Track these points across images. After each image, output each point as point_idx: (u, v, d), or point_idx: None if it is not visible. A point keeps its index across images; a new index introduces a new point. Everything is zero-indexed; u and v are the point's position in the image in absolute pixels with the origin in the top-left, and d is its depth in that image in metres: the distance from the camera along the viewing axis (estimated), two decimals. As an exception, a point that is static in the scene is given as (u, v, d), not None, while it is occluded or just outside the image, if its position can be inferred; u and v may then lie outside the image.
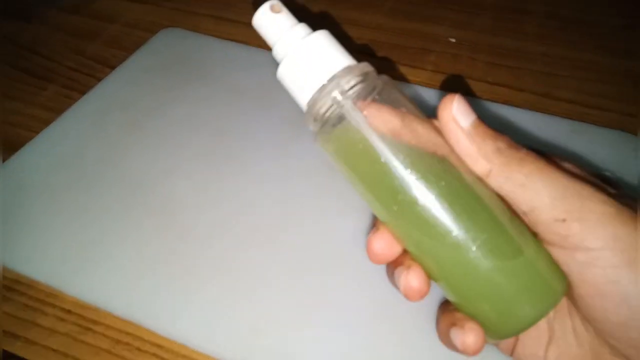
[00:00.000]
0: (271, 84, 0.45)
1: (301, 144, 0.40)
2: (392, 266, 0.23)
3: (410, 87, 0.44)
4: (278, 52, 0.23)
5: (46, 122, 0.43)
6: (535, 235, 0.22)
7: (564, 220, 0.20)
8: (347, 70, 0.22)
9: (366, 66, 0.22)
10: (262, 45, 0.48)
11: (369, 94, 0.21)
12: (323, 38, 0.22)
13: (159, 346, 0.31)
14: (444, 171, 0.21)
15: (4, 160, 0.40)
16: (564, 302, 0.23)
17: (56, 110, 0.44)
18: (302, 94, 0.22)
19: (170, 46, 0.49)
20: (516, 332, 0.22)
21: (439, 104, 0.22)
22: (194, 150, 0.40)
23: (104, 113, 0.44)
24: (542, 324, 0.24)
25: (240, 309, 0.31)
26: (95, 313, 0.32)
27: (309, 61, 0.22)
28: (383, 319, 0.31)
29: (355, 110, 0.21)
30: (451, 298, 0.23)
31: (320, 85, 0.22)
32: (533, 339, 0.24)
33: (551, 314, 0.23)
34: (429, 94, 0.44)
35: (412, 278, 0.22)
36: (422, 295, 0.22)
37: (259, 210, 0.36)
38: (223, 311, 0.31)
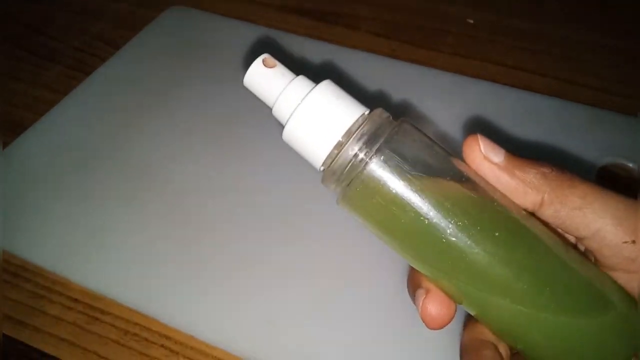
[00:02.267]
0: (282, 65, 0.44)
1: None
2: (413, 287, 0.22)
3: (426, 70, 0.43)
4: (279, 112, 0.21)
5: (51, 104, 0.42)
6: (594, 261, 0.20)
7: (633, 242, 0.18)
8: (362, 121, 0.20)
9: (381, 113, 0.20)
10: (273, 24, 0.47)
11: (389, 143, 0.19)
12: (328, 90, 0.20)
13: (168, 337, 0.30)
14: (497, 218, 0.19)
15: (8, 143, 0.39)
16: None
17: (61, 91, 0.43)
18: (315, 155, 0.20)
19: (177, 25, 0.48)
20: None
21: (464, 146, 0.20)
22: (202, 134, 0.39)
23: (109, 95, 0.42)
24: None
25: (250, 300, 0.31)
26: (103, 302, 0.31)
27: (318, 118, 0.20)
28: (398, 313, 0.30)
29: (382, 164, 0.19)
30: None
31: (336, 142, 0.19)
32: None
33: None
34: (446, 78, 0.42)
35: (430, 304, 0.20)
36: (443, 323, 0.21)
37: (272, 198, 0.35)
38: (233, 302, 0.30)
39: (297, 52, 0.45)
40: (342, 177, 0.20)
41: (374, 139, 0.19)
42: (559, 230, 0.21)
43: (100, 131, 0.40)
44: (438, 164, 0.20)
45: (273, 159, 0.38)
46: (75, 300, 0.32)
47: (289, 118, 0.20)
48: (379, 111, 0.20)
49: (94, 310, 0.31)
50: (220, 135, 0.39)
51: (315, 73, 0.44)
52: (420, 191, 0.19)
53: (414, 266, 0.21)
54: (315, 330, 0.29)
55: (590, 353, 0.19)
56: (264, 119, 0.40)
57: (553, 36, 0.47)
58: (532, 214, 0.20)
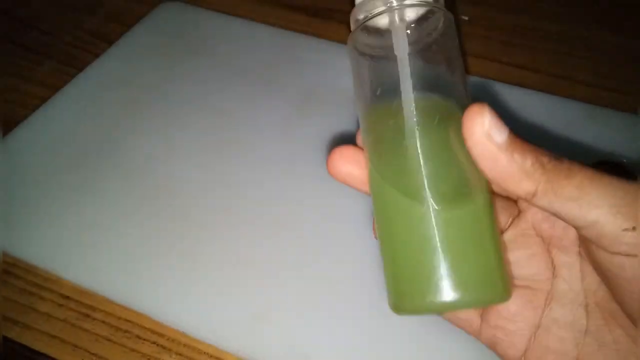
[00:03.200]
0: (276, 62, 0.44)
1: (306, 125, 0.39)
2: None
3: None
4: None
5: (43, 99, 0.41)
6: (595, 249, 0.20)
7: (633, 228, 0.18)
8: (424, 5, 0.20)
9: (444, 12, 0.20)
10: (267, 20, 0.47)
11: (423, 30, 0.19)
12: None
13: (159, 334, 0.30)
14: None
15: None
16: (598, 314, 0.21)
17: (53, 86, 0.42)
18: None
19: (170, 21, 0.47)
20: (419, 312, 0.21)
21: (465, 117, 0.19)
22: (195, 130, 0.39)
23: (102, 90, 0.42)
24: (569, 339, 0.21)
25: (242, 297, 0.30)
26: (94, 299, 0.31)
27: None
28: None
29: (401, 37, 0.19)
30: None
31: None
32: (558, 355, 0.21)
33: (582, 328, 0.21)
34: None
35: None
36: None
37: (262, 195, 0.35)
38: (224, 299, 0.30)
39: (290, 49, 0.44)
40: (366, 18, 0.20)
41: (412, 13, 0.19)
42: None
43: (93, 127, 0.40)
44: (446, 81, 0.20)
45: (266, 155, 0.37)
46: (67, 297, 0.31)
47: None
48: (444, 10, 0.20)
49: (85, 307, 0.31)
50: (214, 131, 0.39)
51: (309, 70, 0.44)
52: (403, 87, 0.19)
53: (362, 128, 0.22)
54: (308, 327, 0.29)
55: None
56: (258, 115, 0.40)
57: (547, 32, 0.46)
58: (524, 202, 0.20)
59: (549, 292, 0.21)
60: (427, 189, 0.19)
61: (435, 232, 0.19)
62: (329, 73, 0.42)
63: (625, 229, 0.18)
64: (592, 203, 0.18)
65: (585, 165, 0.19)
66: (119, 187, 0.36)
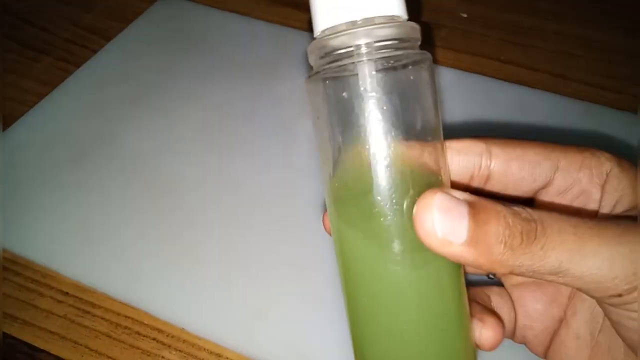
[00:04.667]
0: (274, 58, 0.44)
1: (304, 120, 0.39)
2: None
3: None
4: None
5: (40, 96, 0.41)
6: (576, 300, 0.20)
7: (619, 295, 0.17)
8: (389, 19, 0.17)
9: (412, 28, 0.18)
10: (265, 17, 0.47)
11: (393, 69, 0.17)
12: None
13: (159, 330, 0.30)
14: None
15: (-3, 135, 0.39)
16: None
17: (51, 83, 0.42)
18: (325, 16, 0.17)
19: (168, 17, 0.47)
20: None
21: (415, 225, 0.16)
22: (193, 127, 0.39)
23: (100, 87, 0.42)
24: (585, 336, 0.21)
25: (241, 293, 0.31)
26: (94, 295, 0.31)
27: None
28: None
29: (368, 78, 0.16)
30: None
31: (350, 20, 0.17)
32: (572, 350, 0.22)
33: (598, 327, 0.21)
34: (439, 72, 0.42)
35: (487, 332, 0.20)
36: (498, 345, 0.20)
37: (262, 191, 0.35)
38: (224, 295, 0.30)
39: (290, 45, 0.44)
40: (326, 56, 0.17)
41: (382, 45, 0.17)
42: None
43: (91, 123, 0.39)
44: (415, 114, 0.18)
45: (266, 151, 0.37)
46: (66, 293, 0.31)
47: None
48: (411, 25, 0.18)
49: (84, 303, 0.31)
50: (212, 128, 0.39)
51: (307, 66, 0.44)
52: (377, 123, 0.17)
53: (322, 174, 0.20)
54: (307, 324, 0.29)
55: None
56: (256, 112, 0.40)
57: (546, 31, 0.47)
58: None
59: (572, 289, 0.21)
60: (390, 245, 0.17)
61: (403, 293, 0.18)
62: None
63: (611, 296, 0.17)
64: (575, 277, 0.17)
65: (563, 226, 0.17)
66: (117, 184, 0.36)
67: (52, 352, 0.29)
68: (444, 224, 0.16)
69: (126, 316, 0.30)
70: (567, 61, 0.44)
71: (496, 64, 0.44)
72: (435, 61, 0.43)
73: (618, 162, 0.20)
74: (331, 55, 0.17)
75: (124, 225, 0.33)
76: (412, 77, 0.17)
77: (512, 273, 0.17)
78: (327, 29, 0.17)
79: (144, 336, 0.30)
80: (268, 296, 0.30)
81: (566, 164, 0.20)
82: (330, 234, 0.20)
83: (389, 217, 0.17)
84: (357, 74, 0.17)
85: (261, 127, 0.39)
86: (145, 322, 0.30)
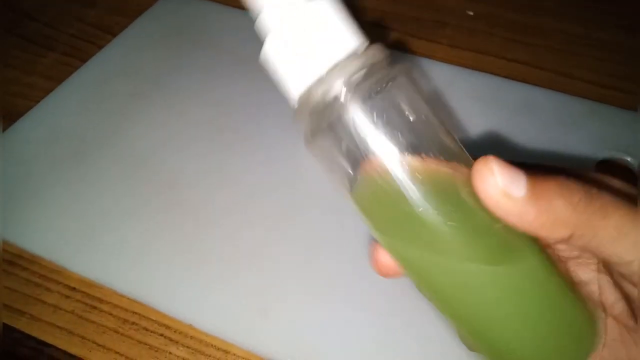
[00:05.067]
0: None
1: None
2: None
3: (424, 61, 0.43)
4: (264, 23, 0.18)
5: (46, 91, 0.41)
6: (621, 278, 0.19)
7: None
8: (353, 56, 0.17)
9: (378, 52, 0.17)
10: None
11: (377, 92, 0.17)
12: (325, 7, 0.17)
13: (167, 326, 0.30)
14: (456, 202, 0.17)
15: (2, 131, 0.39)
16: (616, 329, 0.21)
17: (56, 79, 0.42)
18: (293, 85, 0.17)
19: (173, 13, 0.47)
20: None
21: (474, 177, 0.16)
22: (199, 122, 0.39)
23: (105, 82, 0.42)
24: None
25: (248, 289, 0.31)
26: (101, 291, 0.31)
27: (306, 41, 0.17)
28: (396, 300, 0.30)
29: (359, 114, 0.16)
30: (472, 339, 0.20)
31: (318, 77, 0.17)
32: None
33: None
34: (443, 70, 0.42)
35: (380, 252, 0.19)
36: (392, 273, 0.20)
37: (267, 186, 0.35)
38: (231, 291, 0.30)
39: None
40: (315, 117, 0.17)
41: (360, 81, 0.17)
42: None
43: (96, 119, 0.39)
44: (417, 127, 0.17)
45: (270, 147, 0.38)
46: (73, 289, 0.31)
47: (270, 34, 0.17)
48: (375, 48, 0.17)
49: (92, 299, 0.31)
50: (217, 123, 0.39)
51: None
52: (384, 151, 0.17)
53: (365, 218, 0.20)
54: (314, 320, 0.29)
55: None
56: (261, 108, 0.40)
57: (551, 29, 0.47)
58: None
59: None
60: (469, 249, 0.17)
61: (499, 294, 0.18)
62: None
63: None
64: (632, 245, 0.17)
65: (617, 200, 0.17)
66: (124, 180, 0.36)
67: (59, 347, 0.29)
68: (503, 175, 0.16)
69: (134, 312, 0.30)
70: (572, 60, 0.44)
71: (501, 62, 0.44)
72: (440, 59, 0.43)
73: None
74: (318, 114, 0.17)
75: (132, 220, 0.33)
76: (398, 92, 0.17)
77: (568, 240, 0.17)
78: (300, 95, 0.17)
79: (151, 332, 0.30)
80: (275, 293, 0.30)
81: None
82: (383, 274, 0.20)
83: (455, 223, 0.17)
84: (349, 117, 0.17)
85: (265, 123, 0.39)
86: (153, 318, 0.30)
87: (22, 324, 0.30)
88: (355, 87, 0.17)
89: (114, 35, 0.45)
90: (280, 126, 0.39)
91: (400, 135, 0.17)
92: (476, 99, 0.40)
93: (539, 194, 0.16)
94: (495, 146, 0.37)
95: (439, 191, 0.17)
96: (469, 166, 0.17)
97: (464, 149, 0.18)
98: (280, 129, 0.38)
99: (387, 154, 0.17)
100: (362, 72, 0.17)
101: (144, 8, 0.47)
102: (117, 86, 0.42)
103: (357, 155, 0.17)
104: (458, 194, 0.17)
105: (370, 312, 0.30)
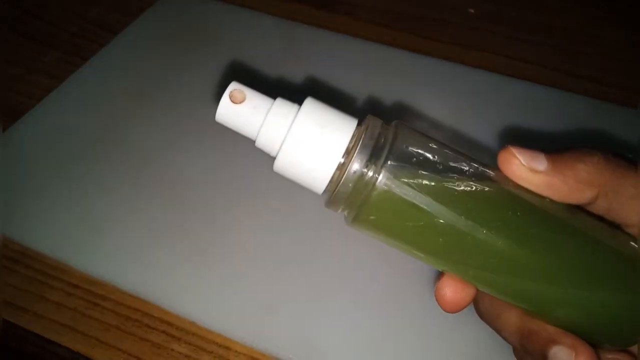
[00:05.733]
0: (282, 53, 0.44)
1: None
2: (537, 341, 0.20)
3: (426, 60, 0.43)
4: (264, 144, 0.20)
5: (48, 89, 0.41)
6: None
7: None
8: (357, 135, 0.19)
9: (374, 121, 0.19)
10: (273, 12, 0.47)
11: (393, 153, 0.18)
12: (313, 111, 0.19)
13: (169, 323, 0.30)
14: (518, 207, 0.19)
15: (5, 129, 0.39)
16: None
17: (58, 77, 0.42)
18: (316, 182, 0.19)
19: (175, 11, 0.47)
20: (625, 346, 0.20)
21: (501, 162, 0.19)
22: (202, 121, 0.39)
23: (107, 81, 0.42)
24: None
25: (251, 286, 0.31)
26: (104, 288, 0.31)
27: (312, 145, 0.18)
28: (400, 297, 0.30)
29: (392, 176, 0.18)
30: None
31: (337, 164, 0.18)
32: None
33: None
34: (445, 68, 0.42)
35: (446, 287, 0.20)
36: (458, 306, 0.20)
37: (272, 184, 0.35)
38: (234, 288, 0.31)
39: (296, 40, 0.44)
40: (351, 198, 0.19)
41: (377, 152, 0.18)
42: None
43: (99, 117, 0.39)
44: (445, 162, 0.19)
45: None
46: (76, 286, 0.32)
47: (279, 151, 0.19)
48: (372, 121, 0.19)
49: (94, 296, 0.31)
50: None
51: (314, 61, 0.44)
52: (435, 194, 0.18)
53: (434, 266, 0.20)
54: (317, 317, 0.30)
55: (622, 324, 0.19)
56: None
57: (554, 27, 0.47)
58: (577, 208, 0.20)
59: None
60: None
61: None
62: (335, 64, 0.42)
63: None
64: None
65: (630, 165, 0.19)
66: (126, 177, 0.36)
67: (63, 344, 0.30)
68: (523, 155, 0.19)
69: (136, 309, 0.31)
70: (574, 58, 0.44)
71: (503, 60, 0.44)
72: (442, 57, 0.43)
73: None
74: (350, 195, 0.19)
75: (134, 218, 0.33)
76: (411, 142, 0.19)
77: (594, 199, 0.18)
78: (327, 187, 0.19)
79: (153, 329, 0.30)
80: (278, 290, 0.31)
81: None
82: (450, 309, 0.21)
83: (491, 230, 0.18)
84: (385, 182, 0.18)
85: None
86: (155, 315, 0.30)
87: (25, 322, 0.30)
88: (372, 158, 0.18)
89: (116, 33, 0.45)
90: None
91: (429, 171, 0.18)
92: (478, 97, 0.40)
93: (560, 164, 0.19)
94: (497, 144, 0.37)
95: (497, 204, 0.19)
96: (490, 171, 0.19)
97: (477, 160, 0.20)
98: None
99: (430, 194, 0.18)
100: (372, 144, 0.18)
101: (145, 6, 0.47)
102: (119, 84, 0.42)
103: (403, 212, 0.18)
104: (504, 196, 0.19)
105: (375, 309, 0.30)
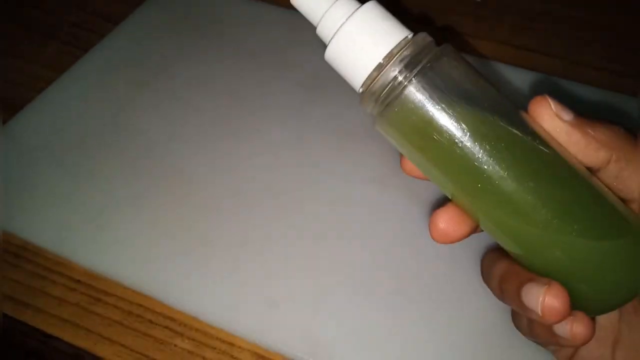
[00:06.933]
0: (285, 43, 0.43)
1: (316, 107, 0.39)
2: (514, 281, 0.21)
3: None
4: (323, 31, 0.21)
5: (48, 81, 0.41)
6: None
7: None
8: (404, 44, 0.20)
9: (425, 37, 0.20)
10: (275, 1, 0.46)
11: (429, 67, 0.19)
12: (372, 11, 0.20)
13: (171, 319, 0.30)
14: (530, 149, 0.20)
15: (5, 121, 0.38)
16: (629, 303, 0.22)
17: (58, 68, 0.42)
18: (356, 76, 0.20)
19: (176, 1, 0.47)
20: (609, 310, 0.21)
21: (531, 105, 0.20)
22: (204, 113, 0.39)
23: (108, 72, 0.42)
24: (607, 325, 0.22)
25: (254, 281, 0.30)
26: (106, 283, 0.31)
27: (361, 38, 0.20)
28: (404, 291, 0.30)
29: (421, 87, 0.19)
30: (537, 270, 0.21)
31: (376, 63, 0.20)
32: (598, 341, 0.23)
33: (617, 314, 0.22)
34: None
35: (553, 299, 0.19)
36: (563, 318, 0.20)
37: (273, 177, 0.35)
38: (237, 284, 0.30)
39: (299, 29, 0.44)
40: (380, 98, 0.20)
41: (414, 62, 0.19)
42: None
43: (99, 109, 0.39)
44: (476, 92, 0.20)
45: (276, 137, 0.37)
46: (78, 281, 0.31)
47: (332, 37, 0.20)
48: (422, 35, 0.20)
49: (97, 291, 0.31)
50: (223, 114, 0.38)
51: (317, 51, 0.44)
52: (458, 116, 0.19)
53: (441, 187, 0.21)
54: (320, 312, 0.29)
55: (607, 273, 0.20)
56: (267, 97, 0.40)
57: (560, 16, 0.46)
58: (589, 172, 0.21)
59: None
60: None
61: None
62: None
63: None
64: None
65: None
66: (128, 170, 0.35)
67: (65, 339, 0.29)
68: (555, 103, 0.20)
69: (138, 304, 0.30)
70: (581, 47, 0.43)
71: (509, 50, 0.43)
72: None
73: None
74: (384, 95, 0.20)
75: (136, 212, 0.33)
76: (452, 64, 0.20)
77: (608, 161, 0.20)
78: (364, 82, 0.20)
79: (156, 324, 0.30)
80: (281, 285, 0.30)
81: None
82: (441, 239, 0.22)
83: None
84: (413, 90, 0.19)
85: (272, 113, 0.39)
86: (158, 310, 0.30)
87: (27, 317, 0.30)
88: (408, 66, 0.19)
89: (116, 23, 0.45)
90: (287, 115, 0.38)
91: (458, 95, 0.19)
92: (484, 87, 0.40)
93: (584, 121, 0.20)
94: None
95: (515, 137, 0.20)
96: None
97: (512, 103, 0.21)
98: (287, 119, 0.38)
99: (453, 115, 0.19)
100: (413, 53, 0.19)
101: (145, -4, 0.47)
102: (120, 75, 0.41)
103: (424, 123, 0.19)
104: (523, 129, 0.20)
105: (378, 303, 0.30)
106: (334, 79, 0.40)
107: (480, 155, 0.19)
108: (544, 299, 0.19)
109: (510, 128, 0.20)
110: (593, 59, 0.42)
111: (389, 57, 0.20)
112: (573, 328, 0.20)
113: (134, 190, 0.34)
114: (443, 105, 0.19)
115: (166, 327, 0.30)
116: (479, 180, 0.19)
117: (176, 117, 0.38)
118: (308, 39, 0.43)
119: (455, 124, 0.19)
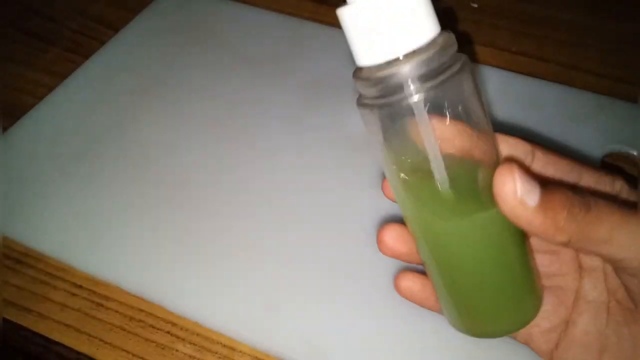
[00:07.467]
0: (284, 49, 0.44)
1: (316, 115, 0.39)
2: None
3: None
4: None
5: (49, 87, 0.41)
6: (620, 271, 0.21)
7: None
8: (429, 46, 0.18)
9: (449, 38, 0.19)
10: (274, 7, 0.46)
11: (435, 87, 0.18)
12: None
13: (173, 324, 0.30)
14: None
15: (6, 128, 0.38)
16: (618, 311, 0.23)
17: (59, 74, 0.42)
18: (366, 53, 0.19)
19: (177, 7, 0.47)
20: (491, 336, 0.24)
21: (496, 182, 0.19)
22: (204, 119, 0.39)
23: (109, 78, 0.42)
24: (594, 331, 0.23)
25: (255, 286, 0.31)
26: (107, 289, 0.31)
27: (390, 16, 0.18)
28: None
29: (422, 113, 0.18)
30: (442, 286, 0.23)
31: (394, 57, 0.18)
32: (584, 346, 0.23)
33: (604, 321, 0.23)
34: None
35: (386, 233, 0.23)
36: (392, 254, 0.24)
37: (273, 184, 0.35)
38: (238, 289, 0.31)
39: (298, 35, 0.44)
40: (377, 91, 0.19)
41: (427, 77, 0.18)
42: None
43: (101, 115, 0.39)
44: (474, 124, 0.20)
45: (275, 143, 0.37)
46: (80, 286, 0.32)
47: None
48: (447, 36, 0.19)
49: (98, 296, 0.31)
50: (222, 120, 0.39)
51: (317, 57, 0.44)
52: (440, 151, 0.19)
53: (399, 204, 0.22)
54: (322, 317, 0.30)
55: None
56: (266, 104, 0.40)
57: (558, 21, 0.46)
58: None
59: (577, 291, 0.23)
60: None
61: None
62: (337, 60, 0.42)
63: None
64: (622, 244, 0.19)
65: (612, 207, 0.20)
66: (129, 176, 0.36)
67: (67, 344, 0.30)
68: (522, 185, 0.18)
69: (140, 309, 0.31)
70: (579, 52, 0.43)
71: (507, 55, 0.43)
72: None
73: (627, 184, 0.23)
74: (383, 88, 0.19)
75: (137, 218, 0.33)
76: (457, 87, 0.19)
77: (567, 244, 0.19)
78: (372, 66, 0.19)
79: (158, 329, 0.30)
80: (283, 290, 0.30)
81: (588, 177, 0.22)
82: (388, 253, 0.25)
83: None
84: (411, 102, 0.19)
85: (271, 119, 0.39)
86: (159, 315, 0.30)
87: (29, 322, 0.30)
88: (421, 78, 0.18)
89: (117, 30, 0.45)
90: (285, 122, 0.38)
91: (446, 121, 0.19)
92: (481, 92, 0.40)
93: (547, 206, 0.18)
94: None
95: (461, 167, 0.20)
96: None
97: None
98: (286, 125, 0.38)
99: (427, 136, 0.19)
100: (431, 58, 0.18)
101: (146, 2, 0.47)
102: (121, 82, 0.41)
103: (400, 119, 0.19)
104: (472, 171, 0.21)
105: (378, 309, 0.30)
106: (333, 86, 0.41)
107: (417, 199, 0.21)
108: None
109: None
110: (592, 65, 0.42)
111: (410, 56, 0.18)
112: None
113: (135, 196, 0.35)
114: (428, 135, 0.19)
115: (168, 332, 0.30)
116: (435, 232, 0.21)
117: (176, 124, 0.39)
118: (308, 46, 0.44)
119: (435, 159, 0.19)
